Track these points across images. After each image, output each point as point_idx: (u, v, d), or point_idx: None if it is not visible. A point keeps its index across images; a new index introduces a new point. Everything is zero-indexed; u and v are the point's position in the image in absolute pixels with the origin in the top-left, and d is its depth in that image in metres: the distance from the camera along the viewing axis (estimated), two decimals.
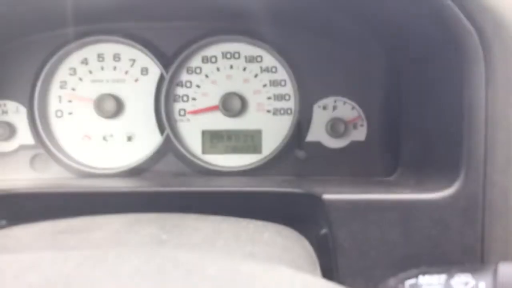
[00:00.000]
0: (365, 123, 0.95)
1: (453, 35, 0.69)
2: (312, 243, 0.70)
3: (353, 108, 0.95)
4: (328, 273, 0.71)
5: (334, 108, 0.96)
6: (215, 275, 0.38)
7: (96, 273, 0.39)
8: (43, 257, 0.43)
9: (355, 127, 0.96)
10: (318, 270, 0.62)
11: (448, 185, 0.70)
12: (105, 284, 0.36)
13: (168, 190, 0.81)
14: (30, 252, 0.49)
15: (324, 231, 0.74)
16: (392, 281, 0.48)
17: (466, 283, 0.43)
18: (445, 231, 0.69)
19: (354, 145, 0.95)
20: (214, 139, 0.97)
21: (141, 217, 0.65)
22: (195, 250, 0.50)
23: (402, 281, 0.47)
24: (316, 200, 0.72)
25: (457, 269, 0.45)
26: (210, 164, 0.96)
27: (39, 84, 0.95)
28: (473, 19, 0.67)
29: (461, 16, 0.67)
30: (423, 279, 0.46)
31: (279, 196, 0.79)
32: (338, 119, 0.95)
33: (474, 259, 0.69)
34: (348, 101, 0.95)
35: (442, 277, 0.45)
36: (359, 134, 0.95)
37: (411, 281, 0.46)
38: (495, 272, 0.42)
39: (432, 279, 0.45)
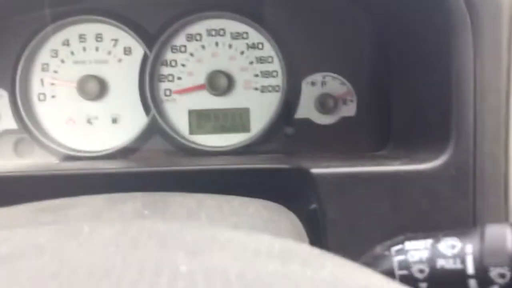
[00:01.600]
0: (355, 98, 0.94)
1: (439, 3, 0.68)
2: (301, 219, 0.69)
3: (342, 83, 0.94)
4: (318, 247, 0.69)
5: (323, 84, 0.94)
6: (191, 242, 0.36)
7: (69, 243, 0.37)
8: (16, 231, 0.41)
9: (344, 102, 0.94)
10: (307, 242, 0.61)
11: (438, 155, 0.68)
12: (78, 253, 0.35)
13: (155, 170, 0.80)
14: (2, 230, 0.47)
15: (313, 206, 0.73)
16: (378, 249, 0.47)
17: (453, 246, 0.42)
18: (436, 202, 0.68)
19: (344, 120, 0.94)
20: (201, 119, 0.95)
21: (125, 196, 0.64)
22: (174, 222, 0.49)
23: (388, 248, 0.46)
24: (304, 174, 0.71)
25: (444, 233, 0.44)
26: (198, 144, 0.95)
27: (20, 67, 0.93)
28: None
29: None
30: (409, 245, 0.44)
31: (267, 173, 0.78)
32: (327, 94, 0.93)
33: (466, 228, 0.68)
34: (337, 76, 0.94)
35: (428, 242, 0.44)
36: (349, 109, 0.94)
37: (397, 247, 0.45)
38: (482, 234, 0.41)
39: (418, 244, 0.44)
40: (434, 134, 0.73)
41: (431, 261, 0.43)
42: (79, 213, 0.54)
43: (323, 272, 0.32)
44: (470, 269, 0.41)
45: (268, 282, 0.29)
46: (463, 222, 0.68)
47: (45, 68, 0.95)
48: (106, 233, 0.39)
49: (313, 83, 0.94)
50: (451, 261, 0.42)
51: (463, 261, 0.42)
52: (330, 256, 0.36)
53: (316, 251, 0.37)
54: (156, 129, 0.94)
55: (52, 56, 0.95)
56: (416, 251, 0.44)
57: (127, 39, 0.94)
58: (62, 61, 0.95)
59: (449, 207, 0.68)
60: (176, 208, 0.55)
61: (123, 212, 0.54)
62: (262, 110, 0.94)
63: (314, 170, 0.70)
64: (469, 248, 0.42)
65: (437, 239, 0.44)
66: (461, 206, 0.68)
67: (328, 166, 0.71)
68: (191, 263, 0.30)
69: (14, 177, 0.78)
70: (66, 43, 0.95)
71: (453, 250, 0.42)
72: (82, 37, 0.95)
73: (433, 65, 0.72)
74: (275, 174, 0.76)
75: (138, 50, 0.94)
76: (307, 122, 0.94)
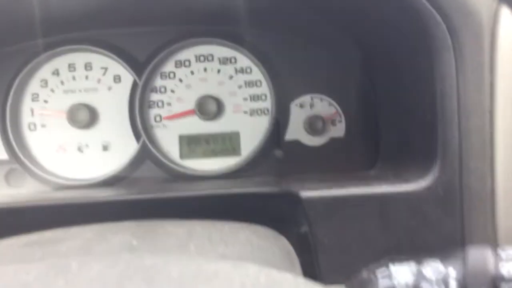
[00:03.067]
0: (343, 119, 0.95)
1: (421, 25, 0.69)
2: (292, 242, 0.69)
3: (330, 104, 0.95)
4: (310, 270, 0.70)
5: (311, 105, 0.95)
6: (177, 277, 0.36)
7: (58, 282, 0.38)
8: (4, 269, 0.42)
9: (333, 123, 0.95)
10: (298, 267, 0.61)
11: (424, 175, 0.69)
12: None
13: (147, 197, 0.80)
14: None
15: (304, 229, 0.73)
16: (364, 273, 0.47)
17: (437, 270, 0.43)
18: (424, 222, 0.68)
19: (333, 141, 0.95)
20: (191, 144, 0.96)
21: (115, 225, 0.64)
22: (161, 254, 0.49)
23: (374, 272, 0.46)
24: (294, 198, 0.71)
25: (427, 256, 0.45)
26: (189, 169, 0.95)
27: (10, 97, 0.94)
28: (440, 8, 0.67)
29: (428, 6, 0.67)
30: (395, 269, 0.45)
31: (257, 197, 0.78)
32: (316, 116, 0.94)
33: (454, 247, 0.68)
34: (325, 97, 0.95)
35: (413, 265, 0.44)
36: (338, 130, 0.95)
37: (383, 271, 0.45)
38: (464, 258, 0.42)
39: (403, 268, 0.45)
40: (420, 154, 0.73)
41: (416, 286, 0.43)
42: (69, 247, 0.54)
43: None
44: None
45: None
46: (451, 241, 0.69)
47: (35, 98, 0.96)
48: (93, 270, 0.39)
49: (301, 105, 0.95)
50: (435, 285, 0.43)
51: (446, 285, 0.42)
52: (313, 286, 0.36)
53: (301, 282, 0.37)
54: (147, 155, 0.94)
55: (42, 86, 0.96)
56: (401, 275, 0.44)
57: (116, 67, 0.95)
58: (52, 91, 0.96)
59: (437, 226, 0.69)
60: (165, 238, 0.56)
61: (113, 244, 0.54)
62: (252, 133, 0.95)
63: (303, 193, 0.70)
64: (452, 272, 0.42)
65: (421, 263, 0.45)
66: (449, 225, 0.69)
67: (317, 189, 0.71)
68: None
69: (5, 209, 0.78)
70: (56, 72, 0.96)
71: (437, 275, 0.43)
72: (71, 66, 0.96)
73: (418, 87, 0.74)
74: (265, 198, 0.77)
75: (128, 78, 0.95)
76: (296, 144, 0.95)
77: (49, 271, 0.40)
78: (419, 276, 0.43)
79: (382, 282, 0.45)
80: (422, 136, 0.74)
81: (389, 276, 0.44)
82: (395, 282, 0.44)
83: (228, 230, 0.61)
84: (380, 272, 0.45)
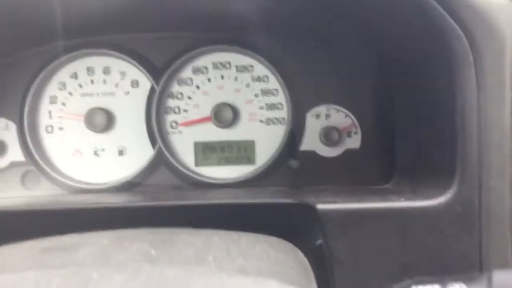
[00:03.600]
0: (359, 131, 0.94)
1: (442, 40, 0.69)
2: (307, 255, 0.68)
3: (346, 116, 0.95)
4: (324, 285, 0.69)
5: (327, 116, 0.95)
6: None
7: None
8: (25, 277, 0.42)
9: (349, 135, 0.95)
10: (313, 283, 0.61)
11: (443, 191, 0.68)
12: None
13: (161, 205, 0.80)
14: (13, 273, 0.47)
15: (319, 242, 0.72)
16: None
17: None
18: (441, 239, 0.68)
19: (348, 153, 0.94)
20: (207, 151, 0.96)
21: (132, 232, 0.64)
22: (182, 266, 0.49)
23: None
24: (310, 210, 0.71)
25: (451, 278, 0.44)
26: (204, 176, 0.95)
27: (28, 100, 0.94)
28: (462, 22, 0.67)
29: (450, 20, 0.67)
30: None
31: (272, 208, 0.78)
32: (332, 127, 0.94)
33: (471, 266, 0.67)
34: (341, 109, 0.95)
35: (436, 287, 0.44)
36: (354, 142, 0.94)
37: None
38: (489, 281, 0.41)
39: None
40: (439, 169, 0.73)
41: None
42: (87, 253, 0.54)
43: None
44: None
45: None
46: (469, 259, 0.68)
47: (53, 100, 0.96)
48: (115, 281, 0.39)
49: (317, 116, 0.95)
50: None
51: None
52: None
53: None
54: (162, 161, 0.95)
55: (60, 89, 0.96)
56: None
57: (134, 72, 0.96)
58: (70, 94, 0.96)
59: (455, 244, 0.68)
60: (183, 248, 0.55)
61: (131, 253, 0.54)
62: (267, 142, 0.95)
63: (320, 206, 0.70)
64: None
65: (443, 285, 0.44)
66: (466, 243, 0.68)
67: (333, 202, 0.71)
68: None
69: (21, 211, 0.79)
70: (74, 76, 0.96)
71: None
72: (90, 70, 0.96)
73: (437, 101, 0.73)
74: (281, 209, 0.76)
75: (145, 83, 0.95)
76: (311, 155, 0.94)
77: (70, 280, 0.40)
78: None
79: None
80: (440, 151, 0.73)
81: None
82: None
83: (245, 242, 0.60)
84: None
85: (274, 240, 0.66)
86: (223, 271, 0.47)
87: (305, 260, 0.66)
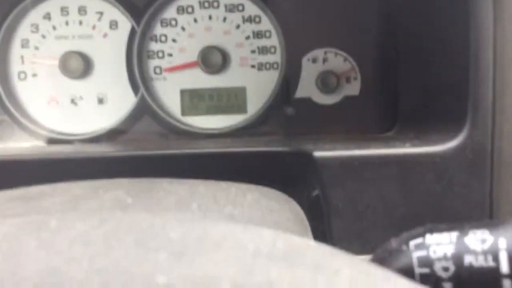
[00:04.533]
0: (358, 76, 0.87)
1: None
2: (303, 206, 0.63)
3: (345, 59, 0.87)
4: (320, 236, 0.64)
5: (325, 60, 0.87)
6: (178, 240, 0.30)
7: (29, 242, 0.31)
8: None
9: (348, 80, 0.88)
10: (309, 233, 0.55)
11: (453, 136, 0.62)
12: (35, 255, 0.29)
13: (145, 154, 0.74)
14: None
15: (316, 192, 0.67)
16: (394, 242, 0.41)
17: (483, 241, 0.36)
18: (450, 187, 0.62)
19: (347, 100, 0.88)
20: (194, 99, 0.89)
21: (109, 182, 0.58)
22: (159, 214, 0.43)
23: (406, 242, 0.40)
24: (306, 158, 0.65)
25: (471, 225, 0.38)
26: (191, 126, 0.88)
27: None
28: None
29: None
30: (431, 238, 0.39)
31: (266, 157, 0.72)
32: (329, 72, 0.87)
33: (481, 216, 0.63)
34: (340, 52, 0.87)
35: (454, 235, 0.38)
36: (353, 88, 0.87)
37: (417, 241, 0.39)
38: None
39: (441, 237, 0.38)
40: (448, 113, 0.67)
41: (457, 258, 0.37)
42: (55, 202, 0.48)
43: (338, 279, 0.26)
44: (505, 267, 0.35)
45: None
46: (478, 209, 0.63)
47: (25, 44, 0.88)
48: (76, 229, 0.33)
49: (314, 60, 0.87)
50: (481, 257, 0.36)
51: (495, 258, 0.36)
52: (343, 257, 0.30)
53: (327, 250, 0.31)
54: (146, 110, 0.87)
55: (33, 31, 0.88)
56: (439, 245, 0.38)
57: (112, 12, 0.87)
58: (43, 37, 0.88)
59: (464, 192, 0.63)
60: (164, 196, 0.49)
61: (103, 201, 0.47)
62: (259, 89, 0.88)
63: (317, 153, 0.64)
64: (503, 243, 0.36)
65: (463, 232, 0.38)
66: (476, 192, 0.63)
67: (332, 149, 0.65)
68: (173, 270, 0.24)
69: None
70: (47, 16, 0.87)
71: (483, 245, 0.37)
72: (64, 10, 0.87)
73: (448, 36, 0.66)
74: (274, 157, 0.70)
75: (125, 24, 0.87)
76: (307, 102, 0.88)
77: (22, 229, 0.33)
78: (461, 247, 0.37)
79: (415, 253, 0.38)
80: (450, 92, 0.67)
81: (425, 247, 0.38)
82: (432, 253, 0.38)
83: (235, 191, 0.54)
84: (414, 242, 0.39)
85: (267, 190, 0.60)
86: (207, 219, 0.41)
87: (300, 211, 0.60)
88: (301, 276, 0.25)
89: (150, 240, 0.30)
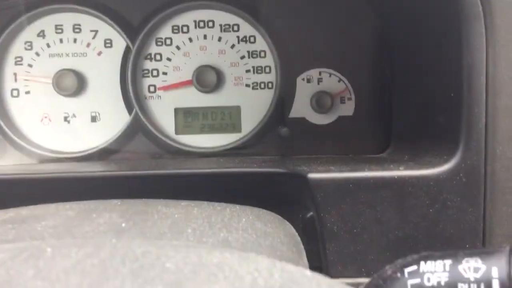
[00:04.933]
0: (353, 96, 0.88)
1: None
2: (297, 228, 0.63)
3: (339, 80, 0.88)
4: (315, 259, 0.64)
5: (319, 81, 0.88)
6: (173, 270, 0.30)
7: (27, 271, 0.31)
8: None
9: (342, 101, 0.88)
10: (304, 257, 0.55)
11: (446, 159, 0.63)
12: (35, 283, 0.28)
13: (138, 174, 0.73)
14: None
15: (310, 214, 0.67)
16: (389, 269, 0.41)
17: (476, 269, 0.36)
18: (443, 210, 0.62)
19: (341, 120, 0.88)
20: (188, 118, 0.89)
21: (102, 204, 0.57)
22: (154, 240, 0.42)
23: (401, 269, 0.40)
24: (301, 180, 0.65)
25: (464, 253, 0.38)
26: (185, 145, 0.88)
27: None
28: None
29: None
30: (425, 266, 0.38)
31: (260, 177, 0.72)
32: (324, 92, 0.87)
33: (474, 239, 0.63)
34: (334, 72, 0.88)
35: (447, 263, 0.38)
36: (347, 108, 0.88)
37: (411, 268, 0.39)
38: (508, 256, 0.35)
39: (435, 265, 0.38)
40: (441, 136, 0.67)
41: (450, 286, 0.37)
42: (48, 226, 0.48)
43: None
44: None
45: None
46: (472, 233, 0.63)
47: (18, 61, 0.88)
48: (71, 258, 0.32)
49: (308, 80, 0.88)
50: (474, 286, 0.36)
51: (488, 287, 0.36)
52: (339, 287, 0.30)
53: (322, 281, 0.30)
54: (139, 129, 0.87)
55: (26, 49, 0.88)
56: (433, 274, 0.38)
57: (107, 30, 0.87)
58: (37, 54, 0.88)
59: (458, 215, 0.63)
60: (158, 220, 0.49)
61: (97, 225, 0.47)
62: (254, 108, 0.88)
63: (312, 175, 0.64)
64: (495, 272, 0.36)
65: (457, 260, 0.38)
66: (470, 215, 0.63)
67: (326, 171, 0.65)
68: None
69: None
70: (42, 34, 0.87)
71: (476, 274, 0.37)
72: (58, 28, 0.87)
73: (442, 61, 0.67)
74: (269, 178, 0.70)
75: (120, 43, 0.87)
76: (302, 122, 0.88)
77: (18, 256, 0.33)
78: (455, 275, 0.37)
79: (410, 281, 0.38)
80: (443, 115, 0.68)
81: (419, 275, 0.38)
82: (426, 281, 0.38)
83: (230, 213, 0.54)
84: (408, 270, 0.39)
85: (261, 212, 0.60)
86: (202, 246, 0.40)
87: (294, 233, 0.60)
88: None
89: (146, 270, 0.30)
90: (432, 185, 0.62)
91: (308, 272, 0.32)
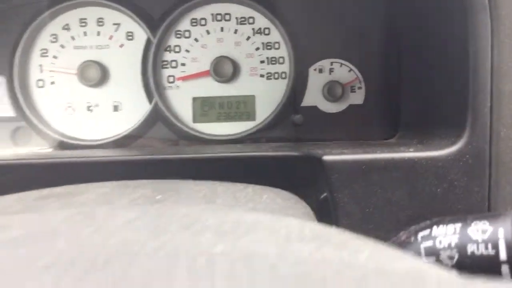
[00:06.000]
0: (363, 86, 0.92)
1: None
2: (312, 208, 0.66)
3: (350, 70, 0.92)
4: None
5: (331, 71, 0.92)
6: (216, 226, 0.34)
7: (87, 228, 0.35)
8: (25, 216, 0.39)
9: (352, 90, 0.92)
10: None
11: (454, 141, 0.67)
12: (96, 235, 0.32)
13: (159, 158, 0.77)
14: (10, 214, 0.44)
15: (324, 195, 0.71)
16: (403, 235, 0.45)
17: (484, 231, 0.40)
18: (450, 190, 0.66)
19: (352, 108, 0.92)
20: (205, 107, 0.93)
21: (133, 183, 0.61)
22: (192, 206, 0.47)
23: (415, 234, 0.44)
24: (315, 162, 0.68)
25: (473, 217, 0.42)
26: (202, 132, 0.92)
27: (18, 52, 0.90)
28: None
29: None
30: (437, 230, 0.42)
31: (276, 161, 0.76)
32: (335, 82, 0.91)
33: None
34: (345, 63, 0.92)
35: (457, 226, 0.42)
36: (357, 97, 0.92)
37: (424, 232, 0.43)
38: None
39: (446, 229, 0.42)
40: (448, 120, 0.71)
41: (460, 247, 0.41)
42: (87, 199, 0.52)
43: (360, 256, 0.30)
44: (503, 254, 0.39)
45: (308, 268, 0.26)
46: (477, 211, 0.67)
47: (44, 53, 0.92)
48: (122, 218, 0.36)
49: (320, 70, 0.92)
50: (482, 246, 0.40)
51: (495, 246, 0.40)
52: (363, 239, 0.34)
53: (348, 234, 0.35)
54: (159, 117, 0.91)
55: (52, 41, 0.92)
56: (444, 236, 0.42)
57: (129, 23, 0.91)
58: (62, 46, 0.92)
59: (464, 194, 0.67)
60: (189, 194, 0.53)
61: (134, 198, 0.51)
62: (268, 97, 0.92)
63: (326, 157, 0.68)
64: (501, 232, 0.40)
65: (466, 223, 0.42)
66: (476, 194, 0.66)
67: (340, 153, 0.69)
68: (224, 245, 0.27)
69: (10, 165, 0.75)
70: (66, 27, 0.92)
71: (484, 235, 0.40)
72: (82, 21, 0.91)
73: (449, 49, 0.71)
74: (285, 162, 0.74)
75: (141, 35, 0.91)
76: (314, 110, 0.92)
77: (71, 219, 0.37)
78: (464, 237, 0.41)
79: (423, 244, 0.42)
80: (450, 101, 0.71)
81: (431, 238, 0.42)
82: (437, 244, 0.42)
83: (252, 191, 0.58)
84: (421, 234, 0.43)
85: (280, 191, 0.64)
86: (237, 210, 0.45)
87: (310, 212, 0.64)
88: (329, 252, 0.29)
89: (192, 225, 0.34)
90: (440, 166, 0.66)
91: (335, 230, 0.36)
